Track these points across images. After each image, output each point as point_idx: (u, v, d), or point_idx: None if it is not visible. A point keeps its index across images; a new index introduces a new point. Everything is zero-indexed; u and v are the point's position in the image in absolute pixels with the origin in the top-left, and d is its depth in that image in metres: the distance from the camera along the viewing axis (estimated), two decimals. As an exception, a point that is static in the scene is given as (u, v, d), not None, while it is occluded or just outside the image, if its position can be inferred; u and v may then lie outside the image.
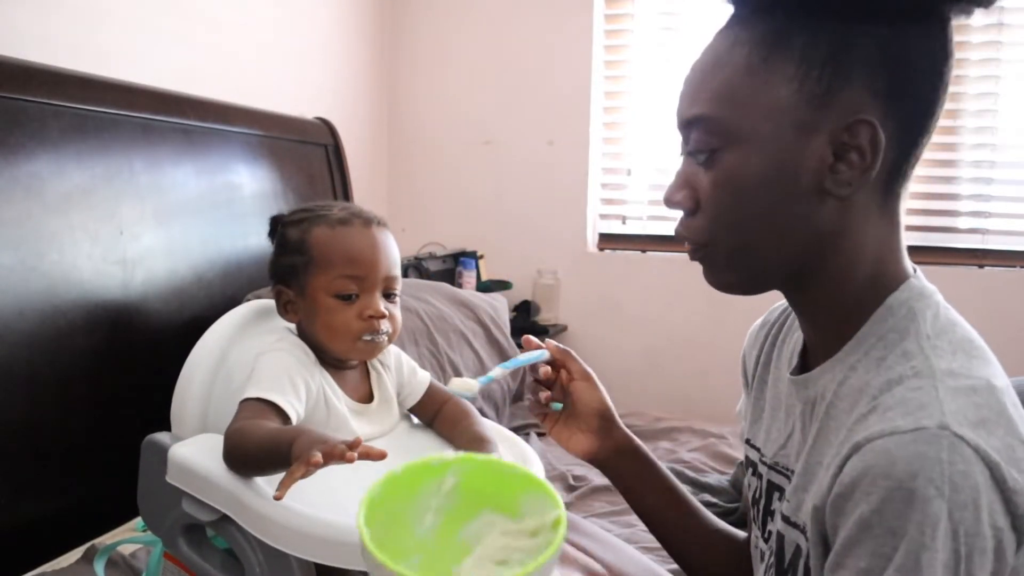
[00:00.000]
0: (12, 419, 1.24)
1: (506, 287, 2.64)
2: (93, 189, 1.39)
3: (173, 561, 0.91)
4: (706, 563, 0.89)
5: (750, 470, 0.79)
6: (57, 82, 1.35)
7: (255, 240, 1.78)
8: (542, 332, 2.55)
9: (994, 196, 2.34)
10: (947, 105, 0.63)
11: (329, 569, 0.75)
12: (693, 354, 2.57)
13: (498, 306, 2.24)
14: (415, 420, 1.03)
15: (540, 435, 1.96)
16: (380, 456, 0.66)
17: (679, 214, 0.69)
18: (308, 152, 2.11)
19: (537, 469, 0.90)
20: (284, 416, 0.82)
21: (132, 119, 1.49)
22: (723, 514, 1.58)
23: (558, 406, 0.90)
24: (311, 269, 0.91)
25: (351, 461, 0.64)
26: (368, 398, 0.96)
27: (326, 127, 2.22)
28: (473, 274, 2.61)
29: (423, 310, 1.91)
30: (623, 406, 2.37)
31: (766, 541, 0.72)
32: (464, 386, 0.87)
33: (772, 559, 0.68)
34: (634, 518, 1.10)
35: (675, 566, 0.96)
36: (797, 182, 0.62)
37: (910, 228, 2.24)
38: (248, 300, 1.14)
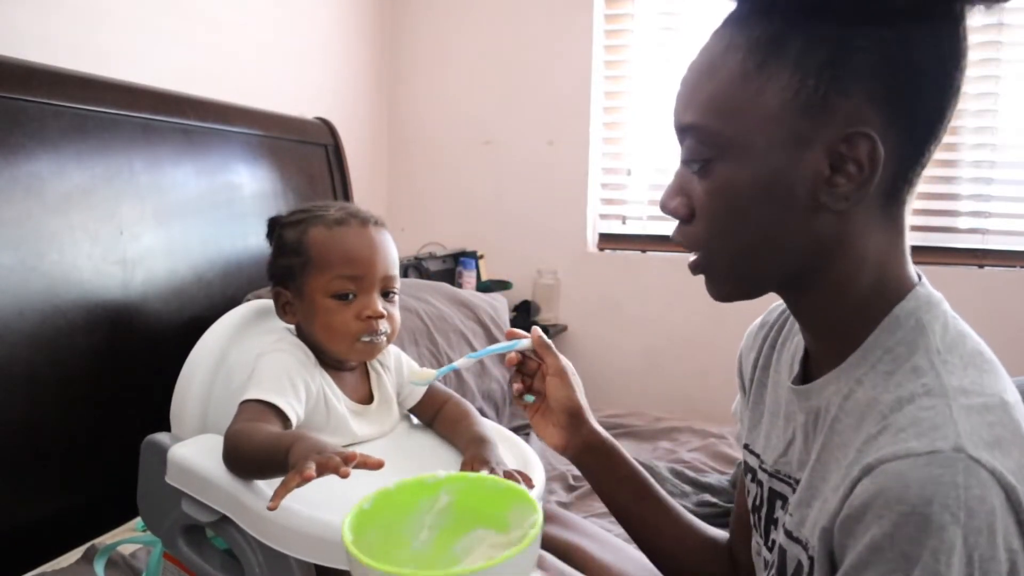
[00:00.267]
0: (12, 419, 1.24)
1: (506, 287, 2.64)
2: (93, 189, 1.39)
3: (173, 561, 0.92)
4: (679, 558, 0.89)
5: (749, 476, 0.78)
6: (57, 82, 1.34)
7: (255, 240, 1.78)
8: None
9: (994, 196, 2.34)
10: (947, 106, 0.60)
11: (329, 569, 0.76)
12: (693, 354, 2.57)
13: (498, 306, 2.23)
14: (415, 420, 1.03)
15: (540, 435, 1.96)
16: (378, 466, 0.66)
17: None
18: (308, 152, 2.11)
19: (537, 469, 0.90)
20: (284, 418, 0.82)
21: (132, 119, 1.49)
22: (723, 514, 1.58)
23: (531, 398, 0.91)
24: (309, 270, 0.91)
25: (346, 476, 0.64)
26: (368, 399, 0.96)
27: (326, 127, 2.21)
28: (473, 274, 2.61)
29: (423, 310, 1.91)
30: (623, 406, 2.41)
31: (770, 550, 0.71)
32: (422, 375, 0.88)
33: (775, 572, 0.67)
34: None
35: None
36: (792, 195, 0.60)
37: (910, 228, 2.23)
38: (248, 300, 1.14)
